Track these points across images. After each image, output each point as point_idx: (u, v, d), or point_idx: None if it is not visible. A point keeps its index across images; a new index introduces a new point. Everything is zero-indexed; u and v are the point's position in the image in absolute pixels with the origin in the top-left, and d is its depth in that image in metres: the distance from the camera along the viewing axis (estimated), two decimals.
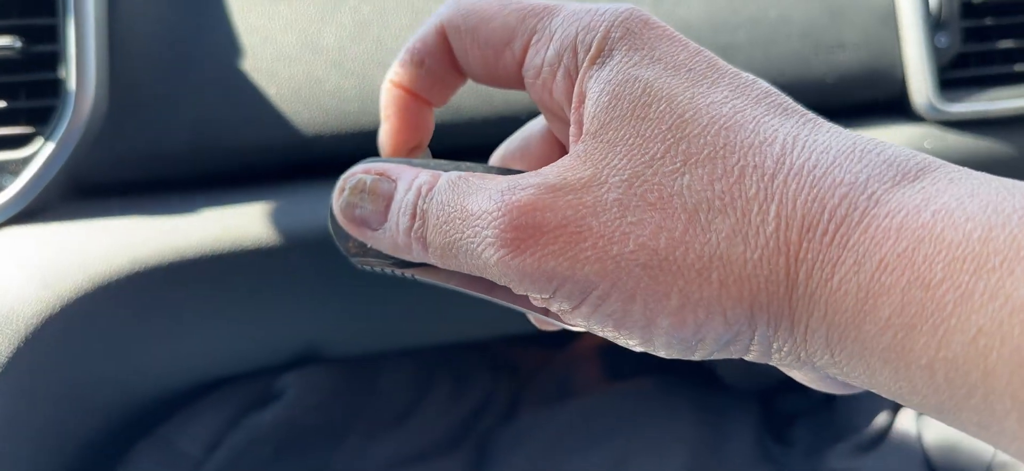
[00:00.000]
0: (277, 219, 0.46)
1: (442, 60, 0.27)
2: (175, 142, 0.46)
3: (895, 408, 0.56)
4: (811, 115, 0.22)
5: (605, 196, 0.21)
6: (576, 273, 0.21)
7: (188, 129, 0.46)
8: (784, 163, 0.20)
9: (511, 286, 0.22)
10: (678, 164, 0.21)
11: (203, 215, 0.46)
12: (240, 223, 0.45)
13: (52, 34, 0.44)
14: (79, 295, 0.43)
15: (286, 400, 0.51)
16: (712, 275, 0.20)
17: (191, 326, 0.48)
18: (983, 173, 0.19)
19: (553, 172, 0.22)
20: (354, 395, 0.56)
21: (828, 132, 0.21)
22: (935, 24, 0.51)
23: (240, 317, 0.49)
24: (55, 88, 0.44)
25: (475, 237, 0.22)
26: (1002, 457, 0.50)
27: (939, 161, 0.20)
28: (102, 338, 0.45)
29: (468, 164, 0.26)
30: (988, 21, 0.52)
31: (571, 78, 0.24)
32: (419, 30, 0.27)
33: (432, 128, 0.30)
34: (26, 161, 0.44)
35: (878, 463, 0.52)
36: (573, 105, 0.23)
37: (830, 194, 0.19)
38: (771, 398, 0.62)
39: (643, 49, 0.23)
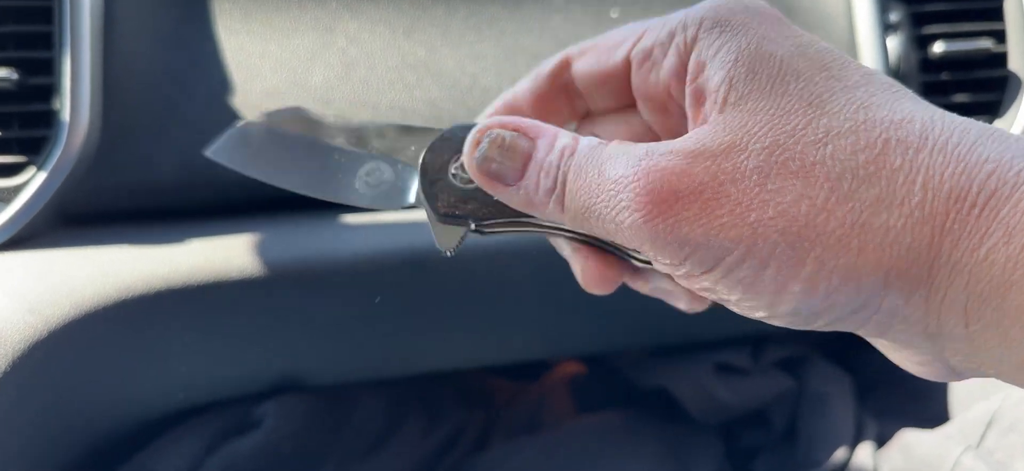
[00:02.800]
0: (262, 251, 0.47)
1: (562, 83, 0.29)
2: (164, 174, 0.48)
3: (853, 444, 0.58)
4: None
5: (744, 163, 0.21)
6: (710, 240, 0.21)
7: (177, 161, 0.48)
8: (927, 139, 0.20)
9: (642, 250, 0.23)
10: (820, 135, 0.21)
11: (189, 245, 0.47)
12: (225, 254, 0.47)
13: (48, 67, 0.46)
14: (66, 321, 0.44)
15: (264, 428, 0.52)
16: (852, 242, 0.20)
17: (174, 354, 0.49)
18: None
19: (691, 139, 0.22)
20: (330, 425, 0.57)
21: (961, 118, 0.21)
22: (894, 77, 0.54)
23: (222, 345, 0.50)
24: (49, 119, 0.46)
25: (610, 202, 0.22)
26: None
27: None
28: (87, 364, 0.46)
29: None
30: (945, 76, 0.55)
31: (682, 55, 0.25)
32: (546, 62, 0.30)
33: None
34: (17, 189, 0.45)
35: None
36: (689, 77, 0.24)
37: (977, 169, 0.19)
38: (734, 433, 0.64)
39: (770, 29, 0.23)
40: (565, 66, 0.30)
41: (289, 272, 0.47)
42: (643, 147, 0.23)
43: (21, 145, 0.46)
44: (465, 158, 0.26)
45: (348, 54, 0.50)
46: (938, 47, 0.54)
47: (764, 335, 0.63)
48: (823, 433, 0.59)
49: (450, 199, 0.27)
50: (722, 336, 0.62)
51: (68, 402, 0.46)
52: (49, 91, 0.46)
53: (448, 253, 0.28)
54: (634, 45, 0.27)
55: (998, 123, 0.56)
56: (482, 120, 0.27)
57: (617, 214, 0.22)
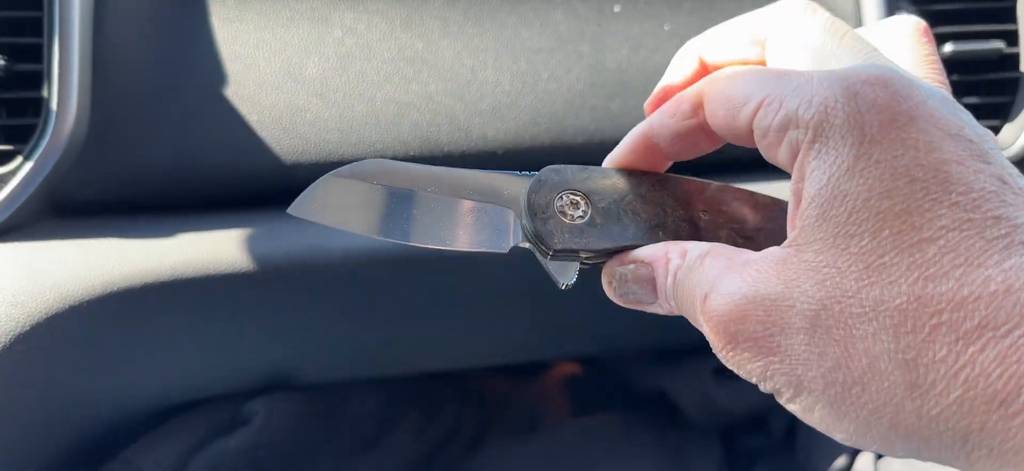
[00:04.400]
0: (252, 245, 0.46)
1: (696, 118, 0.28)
2: (155, 165, 0.47)
3: (853, 453, 0.57)
4: None
5: (793, 321, 0.22)
6: (766, 380, 0.23)
7: (169, 152, 0.47)
8: (986, 328, 0.19)
9: None
10: (868, 308, 0.21)
11: (179, 239, 0.46)
12: (215, 248, 0.46)
13: (36, 54, 0.45)
14: (50, 315, 0.43)
15: (253, 426, 0.52)
16: (883, 420, 0.21)
17: (161, 349, 0.48)
18: None
19: (751, 278, 0.23)
20: (322, 423, 0.56)
21: None
22: None
23: (210, 341, 0.49)
24: (37, 107, 0.45)
25: (701, 322, 0.25)
26: None
27: None
28: (72, 358, 0.45)
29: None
30: (955, 77, 0.54)
31: (795, 152, 0.23)
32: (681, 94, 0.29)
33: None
34: (4, 179, 0.44)
35: None
36: (793, 179, 0.24)
37: None
38: (733, 436, 0.63)
39: (863, 143, 0.21)
40: (699, 105, 0.28)
41: (279, 268, 0.46)
42: (719, 272, 0.24)
43: (8, 133, 0.45)
44: (608, 293, 0.29)
45: (344, 45, 0.49)
46: (948, 48, 0.52)
47: None
48: (822, 439, 0.58)
49: (563, 236, 0.28)
50: None
51: (52, 397, 0.45)
52: (37, 78, 0.45)
53: (565, 287, 0.29)
54: (755, 113, 0.25)
55: (1008, 127, 0.54)
56: (606, 161, 0.30)
57: (707, 335, 0.24)
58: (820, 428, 0.22)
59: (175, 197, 0.48)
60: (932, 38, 0.27)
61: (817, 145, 0.22)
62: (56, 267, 0.44)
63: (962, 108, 0.23)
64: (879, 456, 0.55)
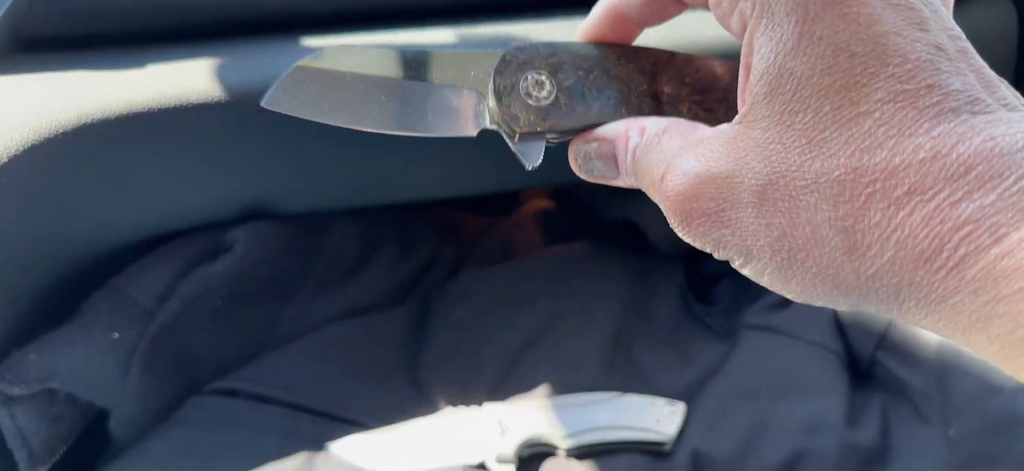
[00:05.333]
0: (224, 75, 0.46)
1: None
2: None
3: None
4: (981, 104, 0.21)
5: (742, 196, 0.24)
6: (720, 249, 0.25)
7: None
8: (913, 194, 0.21)
9: None
10: (810, 180, 0.22)
11: (150, 70, 0.46)
12: (186, 79, 0.46)
13: None
14: (26, 147, 0.43)
15: (236, 253, 0.53)
16: (826, 280, 0.23)
17: (139, 180, 0.49)
18: None
19: (704, 157, 0.25)
20: (303, 252, 0.58)
21: (981, 138, 0.20)
22: None
23: (188, 171, 0.50)
24: None
25: (658, 199, 0.26)
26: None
27: None
28: (50, 191, 0.46)
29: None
30: None
31: (744, 24, 0.24)
32: None
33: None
34: None
35: (790, 317, 0.57)
36: (743, 52, 0.24)
37: (953, 233, 0.20)
38: (695, 260, 0.67)
39: (806, 19, 0.22)
40: None
41: (252, 96, 0.46)
42: (675, 151, 0.26)
43: None
44: (574, 169, 0.30)
45: None
46: None
47: None
48: None
49: (529, 118, 0.29)
50: None
51: (35, 228, 0.46)
52: None
53: (532, 168, 0.30)
54: None
55: None
56: (574, 33, 0.30)
57: (664, 210, 0.26)
58: (771, 288, 0.25)
59: (143, 29, 0.47)
60: None
61: (764, 21, 0.23)
62: (28, 100, 0.44)
63: None
64: None
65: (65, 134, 0.44)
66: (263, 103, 0.30)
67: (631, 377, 0.56)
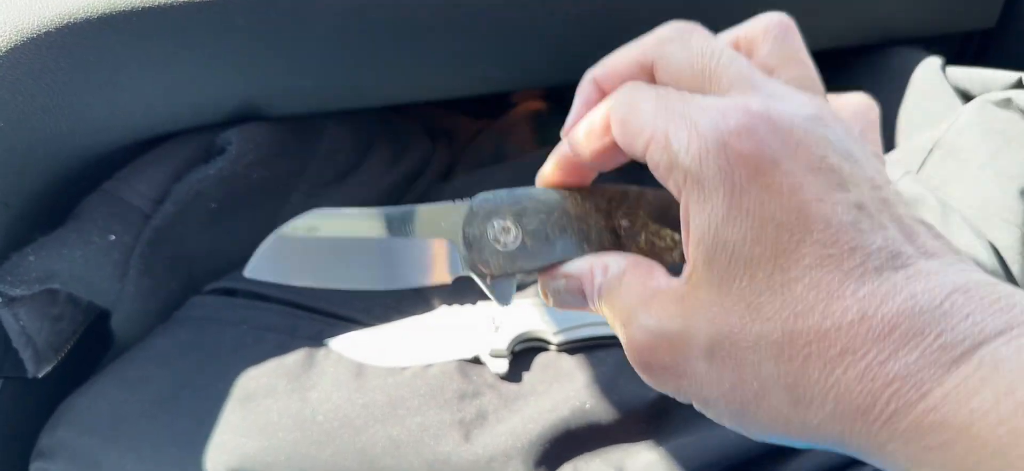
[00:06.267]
0: None
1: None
2: None
3: None
4: (902, 257, 0.23)
5: (693, 351, 0.25)
6: (680, 395, 0.27)
7: None
8: (845, 355, 0.22)
9: None
10: (751, 342, 0.24)
11: None
12: None
13: None
14: (8, 48, 0.43)
15: (229, 154, 0.53)
16: (778, 427, 0.24)
17: (127, 81, 0.48)
18: None
19: (657, 315, 0.26)
20: (296, 154, 0.58)
21: (902, 297, 0.22)
22: None
23: (176, 72, 0.49)
24: None
25: (622, 343, 0.28)
26: None
27: (996, 327, 0.21)
28: (36, 93, 0.45)
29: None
30: None
31: (680, 190, 0.25)
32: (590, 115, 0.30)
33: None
34: None
35: None
36: (681, 212, 0.26)
37: (884, 389, 0.22)
38: None
39: (734, 194, 0.24)
40: (608, 126, 0.29)
41: None
42: (633, 303, 0.27)
43: None
44: (545, 301, 0.32)
45: None
46: None
47: None
48: None
49: (499, 263, 0.31)
50: None
51: (23, 133, 0.46)
52: None
53: (504, 307, 0.32)
54: (647, 147, 0.26)
55: None
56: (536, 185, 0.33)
57: (627, 357, 0.28)
58: (732, 429, 0.26)
59: None
60: (796, 31, 0.28)
61: (695, 192, 0.25)
62: (7, 1, 0.43)
63: (830, 121, 0.25)
64: None
65: (46, 34, 0.44)
66: (246, 273, 0.31)
67: None
